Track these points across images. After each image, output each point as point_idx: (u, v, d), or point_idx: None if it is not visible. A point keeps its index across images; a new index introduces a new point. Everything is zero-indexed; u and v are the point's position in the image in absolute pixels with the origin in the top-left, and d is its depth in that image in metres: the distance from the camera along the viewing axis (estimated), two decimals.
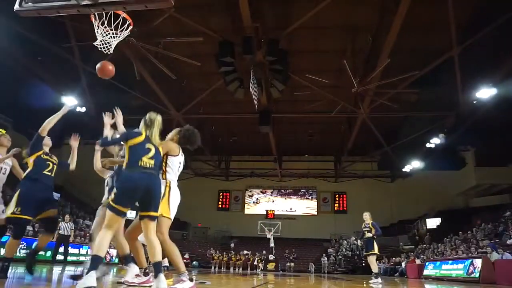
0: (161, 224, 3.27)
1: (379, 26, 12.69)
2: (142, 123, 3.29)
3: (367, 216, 8.78)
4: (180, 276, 3.30)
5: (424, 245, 20.29)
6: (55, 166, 4.44)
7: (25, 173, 4.24)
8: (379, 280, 8.31)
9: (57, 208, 4.47)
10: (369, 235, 8.62)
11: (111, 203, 2.87)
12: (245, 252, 21.69)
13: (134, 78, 14.23)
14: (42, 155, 4.34)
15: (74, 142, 4.66)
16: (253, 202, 29.48)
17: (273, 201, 29.25)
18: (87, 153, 6.60)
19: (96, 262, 2.71)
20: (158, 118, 3.32)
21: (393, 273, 18.30)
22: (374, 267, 8.60)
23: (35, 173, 4.22)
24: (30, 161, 4.25)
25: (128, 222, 3.55)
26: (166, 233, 3.37)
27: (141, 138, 3.13)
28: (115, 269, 8.99)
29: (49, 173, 4.36)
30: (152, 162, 3.06)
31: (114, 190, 2.94)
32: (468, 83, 13.73)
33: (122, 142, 3.28)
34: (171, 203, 3.39)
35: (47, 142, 4.49)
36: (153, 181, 3.02)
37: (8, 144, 4.64)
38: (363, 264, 9.04)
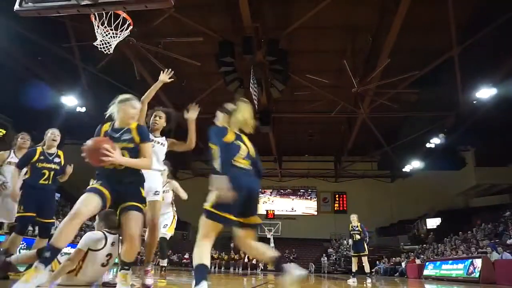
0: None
1: (379, 26, 12.69)
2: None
3: (354, 218, 9.07)
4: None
5: (427, 245, 20.28)
6: (52, 173, 4.08)
7: (25, 178, 4.07)
8: (371, 279, 8.86)
9: (52, 217, 4.35)
10: (358, 237, 8.81)
11: (211, 209, 2.50)
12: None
13: (134, 78, 14.21)
14: (36, 163, 3.99)
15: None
16: None
17: (272, 201, 29.23)
18: None
19: (203, 271, 2.48)
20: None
21: (393, 273, 18.30)
22: (367, 267, 8.91)
23: (32, 181, 4.01)
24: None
25: None
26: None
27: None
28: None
29: (45, 182, 4.03)
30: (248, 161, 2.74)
31: (216, 194, 2.49)
32: (468, 83, 13.72)
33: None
34: None
35: (50, 142, 4.15)
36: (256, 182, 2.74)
37: (25, 145, 4.55)
38: (363, 264, 9.17)
